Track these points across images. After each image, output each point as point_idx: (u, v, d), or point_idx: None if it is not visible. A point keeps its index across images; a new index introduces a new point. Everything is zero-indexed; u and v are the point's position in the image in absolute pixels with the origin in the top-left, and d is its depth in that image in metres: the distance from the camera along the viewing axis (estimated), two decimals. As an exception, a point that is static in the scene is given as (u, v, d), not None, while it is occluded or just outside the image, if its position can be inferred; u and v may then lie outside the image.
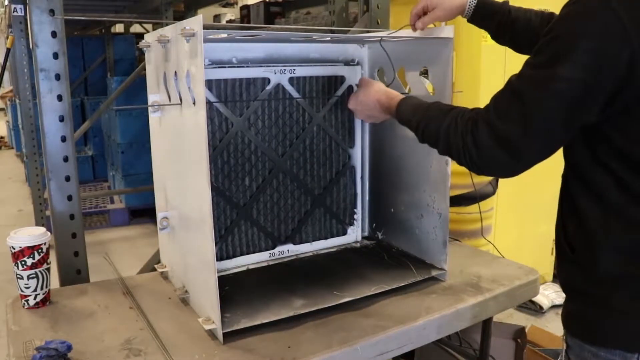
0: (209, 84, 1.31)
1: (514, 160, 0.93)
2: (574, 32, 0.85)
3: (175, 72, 1.17)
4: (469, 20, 1.31)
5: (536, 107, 0.88)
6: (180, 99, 1.17)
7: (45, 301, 1.26)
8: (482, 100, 2.32)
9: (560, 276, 1.03)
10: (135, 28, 7.31)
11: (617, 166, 0.89)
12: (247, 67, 1.38)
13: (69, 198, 1.41)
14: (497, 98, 0.96)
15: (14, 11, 3.38)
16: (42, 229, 1.25)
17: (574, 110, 0.87)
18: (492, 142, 0.93)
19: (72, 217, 1.42)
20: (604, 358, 0.92)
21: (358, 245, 1.62)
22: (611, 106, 0.86)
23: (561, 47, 0.86)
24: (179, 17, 3.97)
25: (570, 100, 0.86)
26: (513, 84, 0.93)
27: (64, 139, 1.39)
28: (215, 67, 1.33)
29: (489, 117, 0.95)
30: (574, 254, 0.96)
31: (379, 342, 1.13)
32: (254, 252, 1.47)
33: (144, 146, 4.44)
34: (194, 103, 1.09)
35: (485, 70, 2.41)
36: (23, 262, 1.21)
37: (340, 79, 1.53)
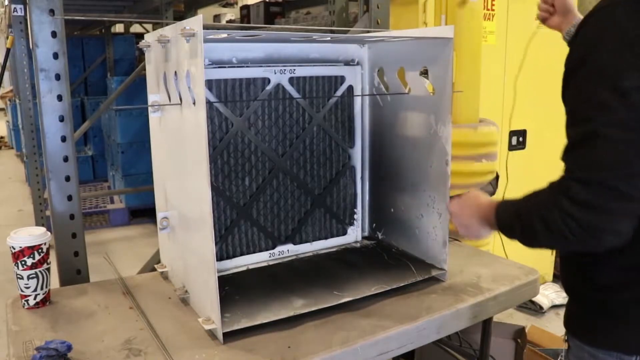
0: (209, 84, 1.31)
1: (632, 202, 0.83)
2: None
3: (175, 72, 1.17)
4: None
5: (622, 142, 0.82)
6: (180, 99, 1.17)
7: (45, 301, 1.26)
8: (482, 100, 2.33)
9: (562, 277, 1.03)
10: (135, 28, 7.31)
11: None
12: (247, 67, 1.38)
13: (69, 198, 1.41)
14: (568, 153, 0.89)
15: (14, 11, 3.39)
16: (42, 229, 1.25)
17: None
18: (610, 199, 0.82)
19: (72, 217, 1.42)
20: (602, 359, 0.92)
21: (358, 245, 1.62)
22: None
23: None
24: (179, 17, 3.97)
25: None
26: (576, 131, 0.86)
27: (64, 139, 1.39)
28: (215, 67, 1.33)
29: (575, 174, 0.86)
30: (576, 256, 0.96)
31: (379, 342, 1.13)
32: (254, 252, 1.47)
33: (144, 146, 4.44)
34: (194, 103, 1.09)
35: (485, 70, 2.41)
36: (23, 262, 1.21)
37: (340, 79, 1.53)
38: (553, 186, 0.89)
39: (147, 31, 5.19)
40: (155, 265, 1.47)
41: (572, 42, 0.92)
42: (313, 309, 1.19)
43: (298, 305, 1.20)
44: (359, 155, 1.61)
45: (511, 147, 2.84)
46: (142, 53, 1.39)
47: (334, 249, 1.58)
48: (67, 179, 1.40)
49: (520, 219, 0.97)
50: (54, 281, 1.33)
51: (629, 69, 0.80)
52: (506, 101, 2.60)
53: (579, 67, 0.86)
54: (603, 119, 0.81)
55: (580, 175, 0.84)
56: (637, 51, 0.80)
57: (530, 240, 0.96)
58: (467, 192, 1.22)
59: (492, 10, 2.53)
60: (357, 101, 1.58)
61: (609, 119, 0.81)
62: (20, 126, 5.10)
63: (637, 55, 0.80)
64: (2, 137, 9.06)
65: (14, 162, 7.49)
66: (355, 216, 1.63)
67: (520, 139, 2.88)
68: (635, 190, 0.81)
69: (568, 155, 0.88)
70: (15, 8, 3.36)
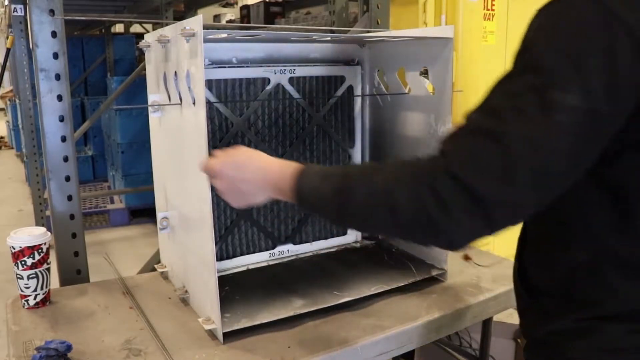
0: (209, 84, 1.31)
1: (487, 221, 0.69)
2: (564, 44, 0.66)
3: (175, 72, 1.17)
4: None
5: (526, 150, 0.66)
6: (180, 99, 1.17)
7: (45, 301, 1.26)
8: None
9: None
10: (135, 28, 7.31)
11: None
12: (247, 67, 1.38)
13: (69, 198, 1.41)
14: (457, 138, 0.72)
15: (14, 11, 3.38)
16: (42, 229, 1.25)
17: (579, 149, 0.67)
18: (462, 197, 0.67)
19: (72, 217, 1.42)
20: None
21: (358, 245, 1.62)
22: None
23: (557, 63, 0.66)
24: (179, 17, 3.97)
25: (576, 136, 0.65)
26: (480, 122, 0.70)
27: (64, 139, 1.39)
28: (215, 67, 1.33)
29: (451, 166, 0.69)
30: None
31: (379, 342, 1.13)
32: (254, 252, 1.47)
33: (144, 146, 4.44)
34: (194, 103, 1.09)
35: (485, 70, 2.41)
36: (23, 262, 1.21)
37: (340, 79, 1.53)
38: (424, 164, 0.73)
39: (147, 31, 5.19)
40: (155, 265, 1.47)
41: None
42: (313, 309, 1.19)
43: (298, 305, 1.20)
44: (359, 155, 1.61)
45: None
46: (142, 53, 1.39)
47: (334, 249, 1.58)
48: (67, 179, 1.40)
49: (349, 190, 0.77)
50: (54, 281, 1.33)
51: (568, 83, 0.65)
52: (506, 101, 2.59)
53: (520, 55, 0.71)
54: (513, 125, 0.66)
55: (458, 172, 0.68)
56: (583, 65, 0.64)
57: (358, 218, 0.79)
58: (235, 149, 0.95)
59: (492, 10, 2.53)
60: (357, 101, 1.58)
61: (519, 129, 0.66)
62: (20, 126, 5.10)
63: (580, 70, 0.64)
64: (2, 137, 9.06)
65: (14, 162, 7.49)
66: (355, 216, 1.63)
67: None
68: (502, 217, 0.70)
69: (457, 139, 0.72)
70: (15, 8, 3.36)
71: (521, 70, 0.69)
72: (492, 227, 0.70)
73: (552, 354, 0.83)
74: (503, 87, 0.71)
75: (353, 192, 0.77)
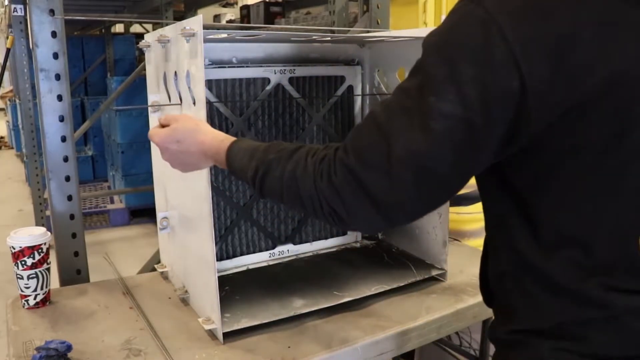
0: (209, 84, 1.31)
1: (380, 215, 0.72)
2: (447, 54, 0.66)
3: (175, 72, 1.17)
4: None
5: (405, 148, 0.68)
6: (180, 99, 1.17)
7: (45, 301, 1.26)
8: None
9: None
10: (135, 28, 7.31)
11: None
12: (247, 67, 1.38)
13: (69, 198, 1.41)
14: (357, 132, 0.75)
15: (14, 11, 3.38)
16: (42, 229, 1.25)
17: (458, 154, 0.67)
18: (353, 188, 0.71)
19: (72, 217, 1.42)
20: None
21: (358, 245, 1.62)
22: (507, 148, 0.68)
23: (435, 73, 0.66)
24: (179, 17, 3.97)
25: (452, 143, 0.66)
26: (377, 115, 0.72)
27: (64, 139, 1.39)
28: (215, 67, 1.33)
29: (346, 158, 0.72)
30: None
31: (379, 342, 1.13)
32: (254, 252, 1.47)
33: (144, 146, 4.44)
34: (194, 103, 1.09)
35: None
36: (23, 262, 1.21)
37: (340, 79, 1.53)
38: (325, 154, 0.76)
39: (147, 31, 5.19)
40: (155, 265, 1.47)
41: None
42: (313, 309, 1.19)
43: (298, 305, 1.20)
44: (359, 155, 1.61)
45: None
46: (142, 53, 1.39)
47: (334, 249, 1.58)
48: (67, 179, 1.40)
49: (265, 170, 0.82)
50: (54, 281, 1.33)
51: (444, 91, 0.65)
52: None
53: (423, 57, 0.70)
54: (397, 126, 0.68)
55: (352, 164, 0.71)
56: (458, 73, 0.64)
57: (272, 195, 0.84)
58: (179, 119, 0.99)
59: (492, 10, 2.52)
60: (357, 101, 1.58)
61: (402, 131, 0.68)
62: (20, 126, 5.10)
63: (455, 79, 0.64)
64: (2, 137, 9.06)
65: (14, 162, 7.49)
66: (355, 216, 1.63)
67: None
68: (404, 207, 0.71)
69: (359, 130, 0.75)
70: (15, 8, 3.36)
71: (414, 70, 0.70)
72: (386, 220, 0.73)
73: None
74: (402, 84, 0.72)
75: (268, 175, 0.82)
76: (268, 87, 1.41)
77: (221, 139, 0.93)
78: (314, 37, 1.39)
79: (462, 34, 0.66)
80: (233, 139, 0.92)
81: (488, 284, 0.86)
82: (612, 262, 0.70)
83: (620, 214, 0.69)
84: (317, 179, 0.75)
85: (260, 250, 1.48)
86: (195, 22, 1.03)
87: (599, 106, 0.64)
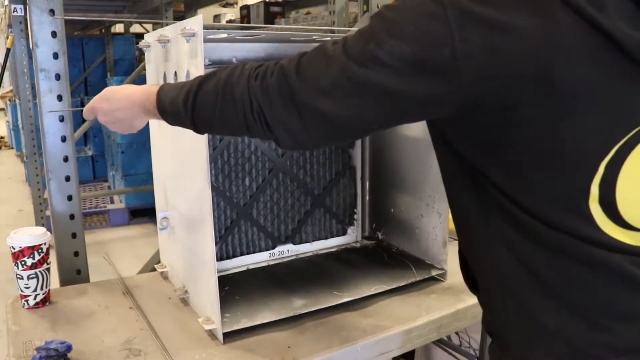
0: (209, 84, 1.31)
1: (301, 122, 0.75)
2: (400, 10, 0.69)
3: (175, 72, 1.17)
4: None
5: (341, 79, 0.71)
6: (180, 99, 1.16)
7: (45, 301, 1.26)
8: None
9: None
10: (135, 28, 7.31)
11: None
12: (247, 67, 1.38)
13: (69, 198, 1.41)
14: (305, 54, 0.78)
15: (14, 11, 3.38)
16: (42, 229, 1.25)
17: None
18: (283, 90, 0.75)
19: (72, 217, 1.42)
20: None
21: (358, 245, 1.62)
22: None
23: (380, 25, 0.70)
24: (179, 17, 3.97)
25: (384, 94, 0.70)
26: (327, 46, 0.75)
27: (64, 139, 1.39)
28: (215, 67, 1.33)
29: (286, 66, 0.76)
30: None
31: (379, 342, 1.13)
32: (254, 252, 1.47)
33: (144, 146, 4.45)
34: (194, 103, 1.09)
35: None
36: (23, 262, 1.21)
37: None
38: (266, 65, 0.79)
39: (147, 31, 5.19)
40: (155, 265, 1.47)
41: None
42: (313, 309, 1.19)
43: (298, 305, 1.20)
44: (358, 155, 1.61)
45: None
46: (142, 53, 1.39)
47: (334, 249, 1.58)
48: (67, 179, 1.40)
49: (197, 89, 0.83)
50: (54, 281, 1.33)
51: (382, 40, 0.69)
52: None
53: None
54: (336, 59, 0.72)
55: (288, 71, 0.75)
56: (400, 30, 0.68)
57: (205, 114, 0.83)
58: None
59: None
60: (357, 101, 1.58)
61: (338, 63, 0.72)
62: (20, 126, 5.10)
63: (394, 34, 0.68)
64: (2, 137, 9.06)
65: (14, 162, 7.49)
66: (355, 216, 1.63)
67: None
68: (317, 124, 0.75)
69: (311, 52, 0.77)
70: (15, 8, 3.36)
71: (372, 18, 0.74)
72: (304, 130, 0.76)
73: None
74: (356, 31, 0.75)
75: (202, 89, 0.83)
76: (268, 87, 1.41)
77: (149, 88, 0.93)
78: (314, 37, 1.39)
79: (413, 1, 0.69)
80: (159, 85, 0.93)
81: (468, 268, 0.88)
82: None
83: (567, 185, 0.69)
84: (252, 79, 0.78)
85: (260, 250, 1.48)
86: (195, 22, 1.03)
87: (528, 97, 0.64)
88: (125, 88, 0.97)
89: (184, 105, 0.84)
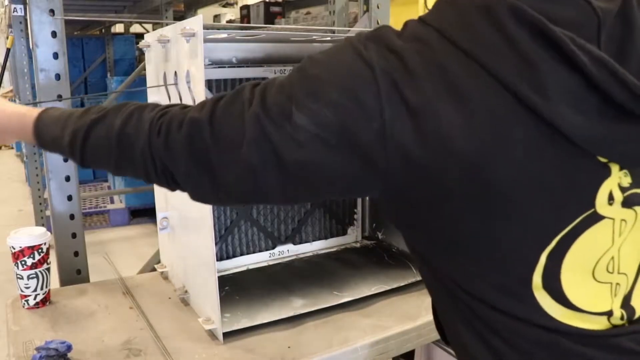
0: (209, 84, 1.31)
1: (213, 185, 0.68)
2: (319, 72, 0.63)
3: (175, 72, 1.17)
4: None
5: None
6: (181, 99, 1.16)
7: (45, 301, 1.26)
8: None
9: None
10: (135, 28, 7.30)
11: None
12: (247, 67, 1.38)
13: (69, 198, 1.41)
14: (224, 98, 0.69)
15: (14, 11, 3.38)
16: (42, 229, 1.25)
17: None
18: (191, 146, 0.66)
19: (72, 217, 1.42)
20: None
21: (358, 245, 1.62)
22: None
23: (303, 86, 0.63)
24: (179, 17, 3.97)
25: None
26: (246, 96, 0.66)
27: (64, 139, 1.39)
28: (215, 67, 1.33)
29: (199, 117, 0.67)
30: None
31: (379, 342, 1.13)
32: (254, 252, 1.47)
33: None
34: (194, 103, 1.09)
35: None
36: (23, 262, 1.21)
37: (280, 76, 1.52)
38: (173, 111, 0.70)
39: (147, 31, 5.19)
40: (155, 265, 1.47)
41: None
42: (313, 309, 1.19)
43: (298, 305, 1.20)
44: (359, 155, 1.61)
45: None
46: (142, 53, 1.39)
47: (334, 249, 1.58)
48: (67, 179, 1.40)
49: (87, 130, 0.74)
50: (54, 281, 1.33)
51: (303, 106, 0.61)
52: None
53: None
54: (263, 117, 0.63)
55: (203, 121, 0.66)
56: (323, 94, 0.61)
57: (98, 160, 0.76)
58: None
59: (492, 10, 2.52)
60: (357, 101, 1.58)
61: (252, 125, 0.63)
62: (20, 126, 5.09)
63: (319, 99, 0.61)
64: (2, 137, 9.04)
65: (14, 162, 7.48)
66: (355, 216, 1.63)
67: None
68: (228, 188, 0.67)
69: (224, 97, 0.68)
70: (15, 8, 3.36)
71: (294, 73, 0.66)
72: (219, 189, 0.68)
73: None
74: (281, 80, 0.67)
75: (91, 136, 0.74)
76: (268, 87, 1.40)
77: (23, 112, 0.83)
78: (314, 37, 1.39)
79: (340, 61, 0.63)
80: (37, 110, 0.83)
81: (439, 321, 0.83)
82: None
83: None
84: (154, 135, 0.68)
85: (260, 250, 1.48)
86: (195, 22, 1.03)
87: (458, 193, 0.59)
88: None
89: (69, 148, 0.76)
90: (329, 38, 1.53)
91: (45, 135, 0.80)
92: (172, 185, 0.72)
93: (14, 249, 1.20)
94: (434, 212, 0.62)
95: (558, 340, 0.64)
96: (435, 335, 1.24)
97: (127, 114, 0.72)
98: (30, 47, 1.36)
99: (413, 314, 1.22)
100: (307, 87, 0.62)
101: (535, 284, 0.62)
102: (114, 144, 0.71)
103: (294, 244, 1.53)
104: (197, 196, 0.71)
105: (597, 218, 0.61)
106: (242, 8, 4.96)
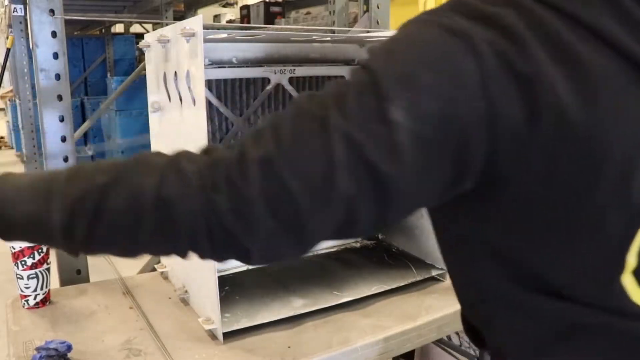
0: (209, 84, 1.31)
1: (297, 240, 0.54)
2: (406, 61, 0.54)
3: (175, 72, 1.17)
4: None
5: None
6: (180, 99, 1.16)
7: (45, 301, 1.26)
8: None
9: None
10: (135, 28, 7.30)
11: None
12: (247, 67, 1.38)
13: (69, 198, 1.41)
14: (277, 124, 0.55)
15: (14, 11, 3.38)
16: (42, 229, 1.25)
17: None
18: (268, 199, 0.51)
19: (72, 217, 1.42)
20: None
21: (358, 245, 1.62)
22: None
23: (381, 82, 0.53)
24: (179, 17, 3.97)
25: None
26: (308, 107, 0.56)
27: (64, 139, 1.39)
28: (215, 67, 1.33)
29: (262, 154, 0.52)
30: None
31: (379, 342, 1.13)
32: (254, 252, 1.46)
33: (144, 146, 4.43)
34: (194, 103, 1.09)
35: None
36: (23, 262, 1.21)
37: (341, 79, 1.53)
38: (218, 156, 0.56)
39: (147, 31, 5.19)
40: (155, 265, 1.47)
41: None
42: (313, 309, 1.19)
43: (298, 305, 1.20)
44: (359, 155, 1.61)
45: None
46: (142, 53, 1.39)
47: (334, 249, 1.58)
48: (67, 179, 1.40)
49: (101, 196, 0.53)
50: (54, 281, 1.33)
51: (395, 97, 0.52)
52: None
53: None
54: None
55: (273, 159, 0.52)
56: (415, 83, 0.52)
57: (113, 238, 0.55)
58: None
59: (492, 10, 2.52)
60: (357, 101, 1.58)
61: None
62: (20, 126, 5.09)
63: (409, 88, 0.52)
64: (2, 137, 9.05)
65: (14, 162, 7.48)
66: (355, 216, 1.63)
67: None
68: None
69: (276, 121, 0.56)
70: (15, 8, 3.36)
71: (355, 73, 0.58)
72: (302, 243, 0.55)
73: None
74: (346, 81, 0.59)
75: (106, 205, 0.53)
76: (268, 87, 1.41)
77: None
78: (314, 37, 1.39)
79: (425, 40, 0.55)
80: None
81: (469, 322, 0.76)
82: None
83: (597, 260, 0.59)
84: (208, 190, 0.52)
85: (260, 250, 1.47)
86: (195, 22, 1.03)
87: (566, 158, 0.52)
88: None
89: (63, 231, 0.53)
90: (329, 38, 1.54)
91: (10, 216, 0.53)
92: (228, 252, 0.56)
93: (14, 249, 1.20)
94: (540, 195, 0.53)
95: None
96: (435, 335, 1.25)
97: (159, 169, 0.55)
98: (30, 47, 1.36)
99: (413, 314, 1.22)
100: (394, 76, 0.52)
101: (628, 264, 0.55)
102: (148, 214, 0.53)
103: (294, 244, 1.52)
104: (262, 257, 0.56)
105: None
106: (242, 8, 4.97)
